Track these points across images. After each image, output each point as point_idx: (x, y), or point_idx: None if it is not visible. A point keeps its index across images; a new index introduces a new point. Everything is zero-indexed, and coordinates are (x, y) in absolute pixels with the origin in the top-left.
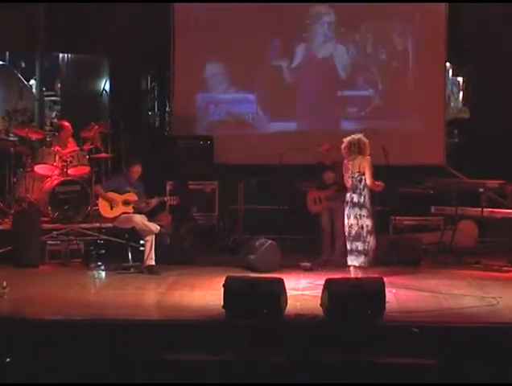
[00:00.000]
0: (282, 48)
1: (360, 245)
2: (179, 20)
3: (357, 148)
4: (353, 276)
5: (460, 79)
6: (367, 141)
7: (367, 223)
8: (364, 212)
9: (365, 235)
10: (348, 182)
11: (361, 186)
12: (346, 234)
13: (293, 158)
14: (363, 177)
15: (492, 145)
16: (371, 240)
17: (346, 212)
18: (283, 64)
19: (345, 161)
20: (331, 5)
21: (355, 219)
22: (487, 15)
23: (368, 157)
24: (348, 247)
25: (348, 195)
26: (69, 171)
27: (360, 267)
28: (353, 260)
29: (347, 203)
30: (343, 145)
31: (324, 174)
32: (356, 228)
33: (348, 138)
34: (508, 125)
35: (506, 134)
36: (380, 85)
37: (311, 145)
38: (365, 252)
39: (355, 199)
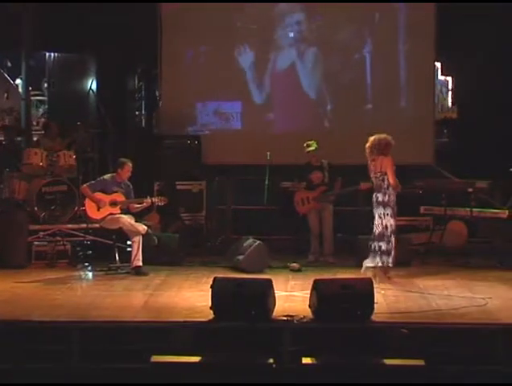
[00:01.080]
0: (259, 50)
1: (383, 245)
2: (166, 19)
3: (376, 148)
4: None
5: (449, 78)
6: (390, 141)
7: (391, 222)
8: (388, 211)
9: (389, 234)
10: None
11: (385, 186)
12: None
13: (281, 158)
14: (385, 176)
15: (480, 145)
16: (393, 239)
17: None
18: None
19: (369, 161)
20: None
21: (379, 219)
22: (476, 15)
23: (389, 157)
24: (373, 246)
25: (373, 194)
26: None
27: (384, 267)
28: (374, 261)
29: (373, 202)
30: (366, 146)
31: (311, 175)
32: (380, 228)
33: (371, 138)
34: (497, 125)
35: (495, 134)
36: (369, 85)
37: (298, 145)
38: (388, 252)
39: (380, 199)
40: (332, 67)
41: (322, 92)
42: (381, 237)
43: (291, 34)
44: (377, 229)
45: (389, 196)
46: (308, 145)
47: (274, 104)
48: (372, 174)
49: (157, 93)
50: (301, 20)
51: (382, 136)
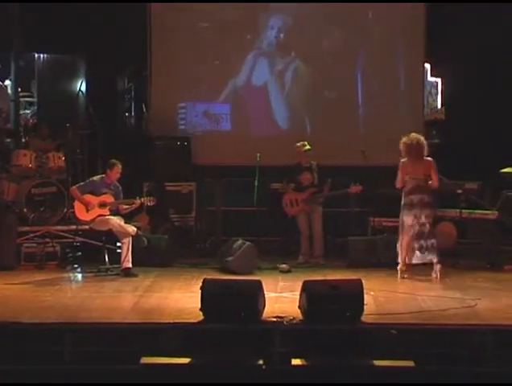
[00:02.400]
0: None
1: (434, 242)
2: (155, 20)
3: (415, 150)
4: (437, 273)
5: (438, 80)
6: (425, 141)
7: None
8: (433, 211)
9: (434, 232)
10: (402, 183)
11: (429, 187)
12: (414, 234)
13: (270, 160)
14: (428, 178)
15: (470, 147)
16: None
17: (414, 213)
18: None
19: (404, 161)
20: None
21: (427, 219)
22: (464, 16)
23: (430, 159)
24: (423, 245)
25: (413, 196)
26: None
27: (438, 262)
28: (432, 257)
29: (414, 204)
30: (401, 146)
31: (300, 176)
32: (428, 227)
33: (407, 139)
34: (486, 126)
35: (483, 135)
36: (359, 86)
37: (288, 146)
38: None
39: (426, 200)
40: (321, 70)
41: (310, 94)
42: (432, 235)
43: (273, 40)
44: (426, 229)
45: (433, 197)
46: (304, 145)
47: (261, 107)
48: (411, 176)
49: (147, 94)
50: (282, 24)
51: (420, 137)
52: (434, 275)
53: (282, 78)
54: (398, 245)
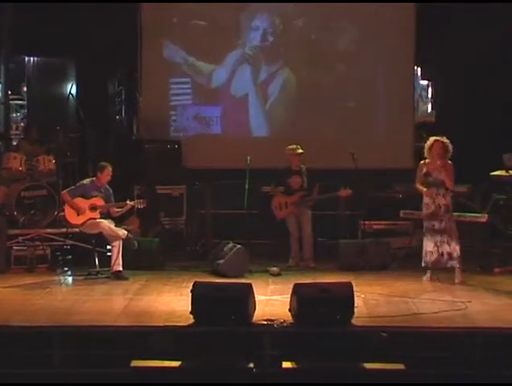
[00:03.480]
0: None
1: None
2: (146, 22)
3: (446, 151)
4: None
5: (428, 83)
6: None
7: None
8: None
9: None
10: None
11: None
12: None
13: (261, 163)
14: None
15: (459, 149)
16: None
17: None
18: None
19: (439, 162)
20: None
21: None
22: (452, 19)
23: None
24: (448, 250)
25: (437, 197)
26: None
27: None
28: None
29: (442, 205)
30: (438, 147)
31: (290, 180)
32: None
33: (440, 140)
34: (476, 130)
35: (473, 138)
36: (349, 89)
37: (278, 149)
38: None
39: (448, 202)
40: (311, 71)
41: (300, 97)
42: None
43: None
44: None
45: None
46: (297, 148)
47: (252, 110)
48: (434, 176)
49: (137, 97)
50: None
51: (444, 138)
52: (424, 278)
53: (266, 88)
54: None
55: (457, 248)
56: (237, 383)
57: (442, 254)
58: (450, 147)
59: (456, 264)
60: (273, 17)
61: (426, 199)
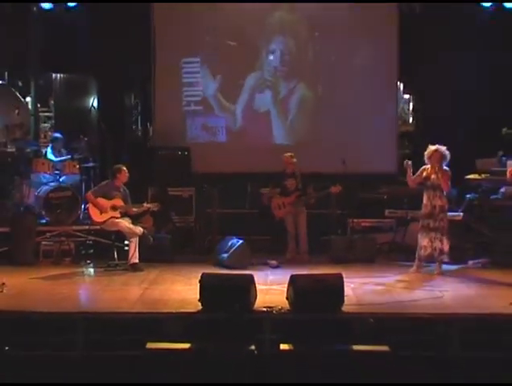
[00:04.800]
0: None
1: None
2: (159, 39)
3: (443, 158)
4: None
5: (410, 97)
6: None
7: None
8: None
9: None
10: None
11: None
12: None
13: (260, 167)
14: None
15: None
16: None
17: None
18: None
19: (437, 168)
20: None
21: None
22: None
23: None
24: (440, 246)
25: (437, 200)
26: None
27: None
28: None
29: (440, 206)
30: (437, 156)
31: (286, 182)
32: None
33: (439, 150)
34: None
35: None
36: (337, 99)
37: (275, 156)
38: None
39: (445, 204)
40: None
41: (292, 110)
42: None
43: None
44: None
45: None
46: (292, 157)
47: (252, 122)
48: (432, 180)
49: (152, 109)
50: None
51: (443, 148)
52: (411, 270)
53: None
54: None
55: (447, 244)
56: (240, 362)
57: (435, 249)
58: (447, 155)
59: (445, 258)
60: (287, 39)
61: (425, 201)
